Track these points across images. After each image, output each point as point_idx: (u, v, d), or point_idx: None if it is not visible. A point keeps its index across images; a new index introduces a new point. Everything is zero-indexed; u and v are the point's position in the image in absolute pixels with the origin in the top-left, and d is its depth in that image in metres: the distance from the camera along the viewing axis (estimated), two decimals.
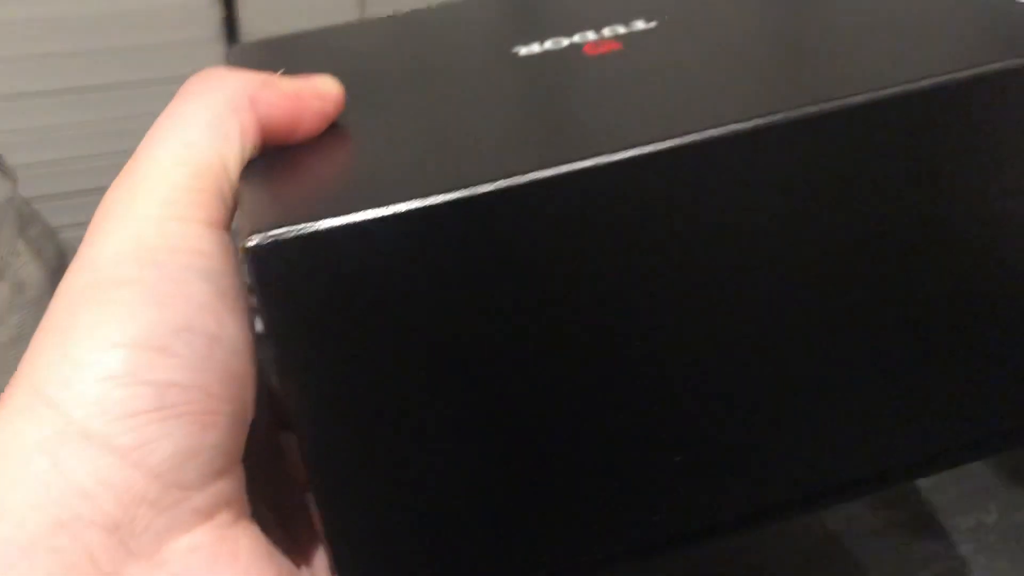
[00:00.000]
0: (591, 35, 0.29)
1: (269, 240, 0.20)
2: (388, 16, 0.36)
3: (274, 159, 0.24)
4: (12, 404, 0.21)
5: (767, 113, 0.22)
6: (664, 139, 0.21)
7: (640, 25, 0.29)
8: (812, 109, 0.22)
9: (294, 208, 0.21)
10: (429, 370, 0.21)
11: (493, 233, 0.21)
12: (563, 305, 0.21)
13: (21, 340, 0.97)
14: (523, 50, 0.28)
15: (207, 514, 0.20)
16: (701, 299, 0.22)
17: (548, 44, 0.29)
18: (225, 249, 0.22)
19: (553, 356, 0.22)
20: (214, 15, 1.49)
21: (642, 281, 0.22)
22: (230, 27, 1.50)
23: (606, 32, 0.29)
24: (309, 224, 0.20)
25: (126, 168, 0.22)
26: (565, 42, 0.29)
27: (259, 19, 1.53)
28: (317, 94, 0.24)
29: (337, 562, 0.22)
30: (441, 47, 0.31)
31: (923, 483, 0.49)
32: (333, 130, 0.25)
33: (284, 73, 0.25)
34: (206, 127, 0.22)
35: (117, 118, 1.51)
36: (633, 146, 0.21)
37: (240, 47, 0.32)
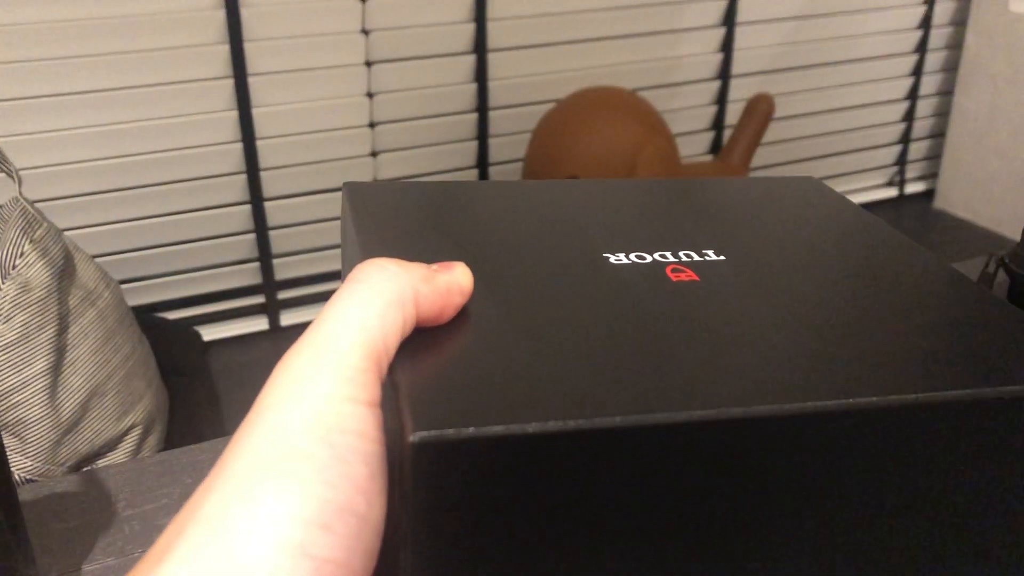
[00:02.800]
0: (669, 255, 0.33)
1: (434, 437, 0.23)
2: (499, 183, 0.39)
3: (417, 340, 0.27)
4: (191, 538, 0.22)
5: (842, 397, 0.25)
6: (750, 405, 0.25)
7: (711, 255, 0.33)
8: (873, 400, 0.25)
9: (460, 408, 0.24)
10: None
11: (622, 458, 0.24)
12: (665, 528, 0.25)
13: (26, 339, 0.99)
14: (612, 258, 0.32)
15: None
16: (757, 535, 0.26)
17: (633, 256, 0.33)
18: (379, 429, 0.24)
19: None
20: (218, 19, 1.50)
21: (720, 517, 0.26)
22: (233, 31, 1.51)
23: (682, 256, 0.33)
24: (476, 428, 0.23)
25: (310, 336, 0.25)
26: (648, 258, 0.33)
27: (261, 23, 1.54)
28: (460, 290, 0.28)
29: None
30: (542, 236, 0.35)
31: None
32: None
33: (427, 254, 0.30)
34: (379, 315, 0.25)
35: (121, 121, 1.53)
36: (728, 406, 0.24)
37: (353, 187, 0.36)
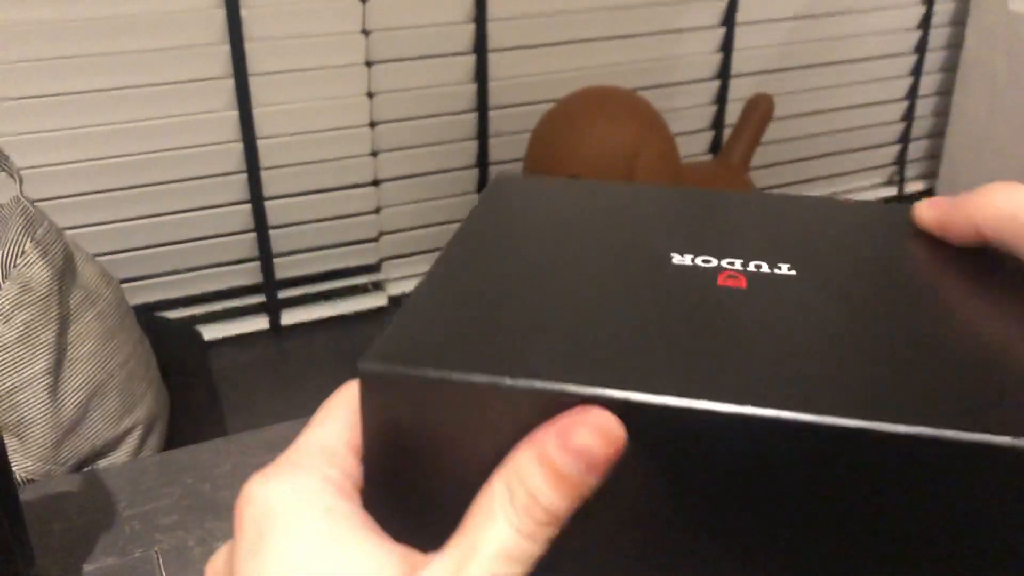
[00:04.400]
0: (738, 264, 0.31)
1: (378, 371, 0.24)
2: (587, 182, 0.38)
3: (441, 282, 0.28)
4: None
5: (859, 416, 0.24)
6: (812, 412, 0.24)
7: (784, 269, 0.31)
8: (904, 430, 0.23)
9: (411, 349, 0.24)
10: None
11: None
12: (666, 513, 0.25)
13: (27, 339, 0.99)
14: (677, 258, 0.31)
15: None
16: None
17: (699, 260, 0.31)
18: None
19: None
20: (218, 19, 1.51)
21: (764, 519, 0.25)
22: (234, 31, 1.52)
23: (752, 266, 0.31)
24: (416, 369, 0.24)
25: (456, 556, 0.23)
26: (714, 262, 0.31)
27: (262, 22, 1.54)
28: (616, 451, 0.23)
29: None
30: (613, 235, 0.34)
31: None
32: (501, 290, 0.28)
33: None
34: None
35: (122, 121, 1.53)
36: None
37: (503, 180, 0.35)
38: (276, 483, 0.25)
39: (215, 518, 0.52)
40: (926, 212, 0.33)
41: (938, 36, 2.18)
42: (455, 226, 1.58)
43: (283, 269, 1.73)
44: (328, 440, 0.26)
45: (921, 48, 2.17)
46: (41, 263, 1.01)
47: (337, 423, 0.27)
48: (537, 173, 1.60)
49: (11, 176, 1.03)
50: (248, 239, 1.67)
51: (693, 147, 1.98)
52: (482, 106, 1.75)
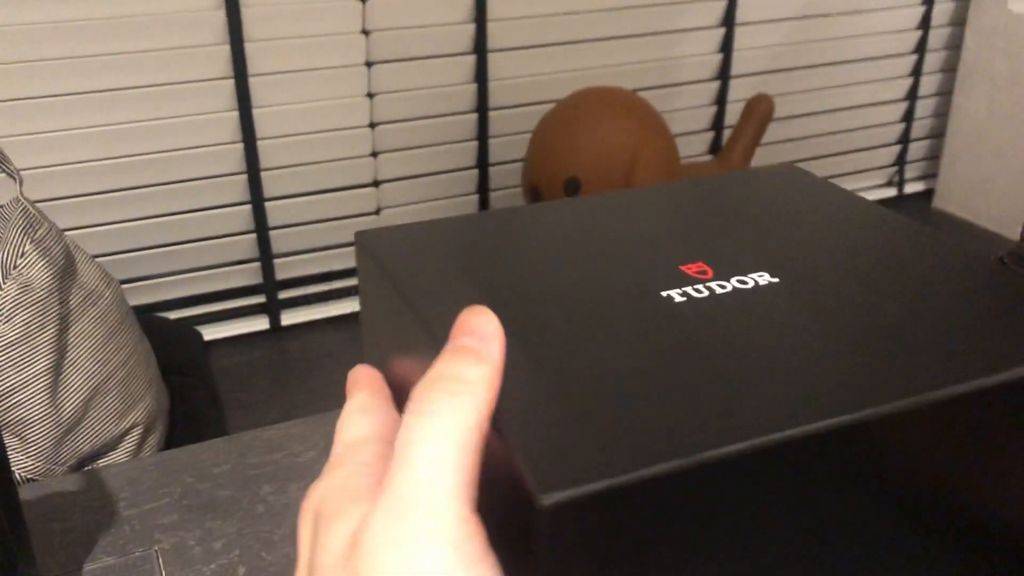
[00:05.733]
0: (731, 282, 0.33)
1: (565, 497, 0.23)
2: (502, 211, 0.40)
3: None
4: None
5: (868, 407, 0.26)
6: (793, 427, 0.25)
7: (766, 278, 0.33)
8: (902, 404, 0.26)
9: (580, 464, 0.24)
10: None
11: (737, 485, 0.25)
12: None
13: (27, 339, 0.99)
14: (661, 291, 0.32)
15: None
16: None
17: (675, 290, 0.32)
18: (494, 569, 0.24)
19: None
20: (218, 19, 1.51)
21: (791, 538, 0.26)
22: (234, 31, 1.52)
23: (732, 280, 0.33)
24: (602, 481, 0.23)
25: (403, 493, 0.24)
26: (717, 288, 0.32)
27: (262, 23, 1.54)
28: (502, 356, 0.27)
29: None
30: (580, 264, 0.34)
31: None
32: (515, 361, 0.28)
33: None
34: (465, 451, 0.24)
35: (122, 121, 1.53)
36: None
37: (365, 236, 0.35)
38: (315, 487, 0.27)
39: (215, 518, 0.52)
40: None
41: (938, 37, 2.18)
42: None
43: (283, 270, 1.73)
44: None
45: (921, 49, 2.17)
46: (41, 263, 1.02)
47: (358, 421, 0.29)
48: (537, 173, 1.60)
49: (11, 177, 1.03)
50: (248, 240, 1.67)
51: (693, 148, 1.98)
52: (482, 107, 1.75)
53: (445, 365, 0.26)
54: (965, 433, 0.27)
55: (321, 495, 0.26)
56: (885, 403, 0.26)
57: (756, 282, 0.32)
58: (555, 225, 0.37)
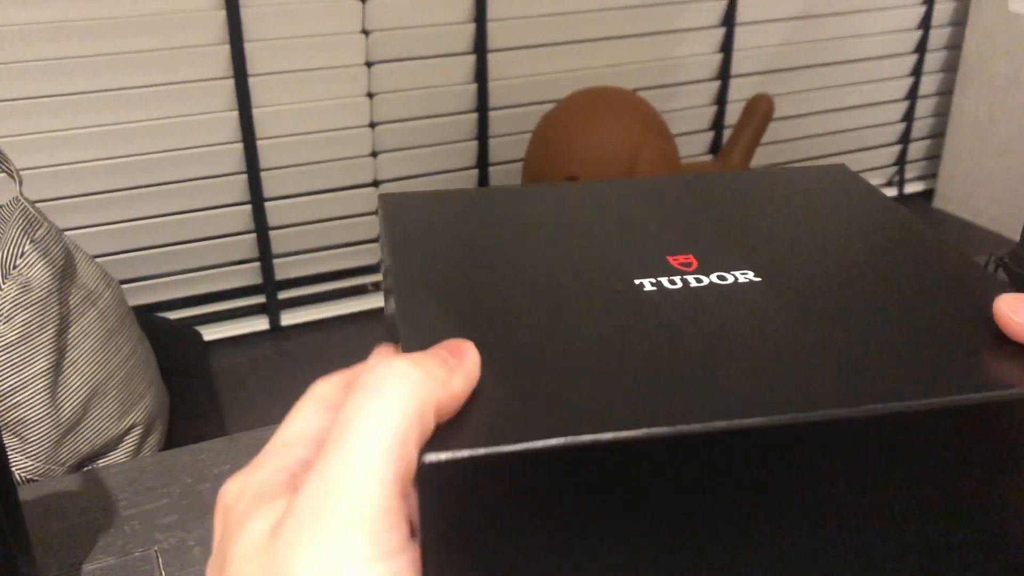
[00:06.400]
0: (706, 278, 0.33)
1: (445, 459, 0.24)
2: (523, 189, 0.40)
3: None
4: None
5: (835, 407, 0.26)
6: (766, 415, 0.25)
7: (747, 274, 0.32)
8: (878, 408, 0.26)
9: (466, 433, 0.24)
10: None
11: (622, 471, 0.25)
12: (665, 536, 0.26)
13: (27, 339, 0.99)
14: (641, 282, 0.32)
15: None
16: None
17: (664, 280, 0.32)
18: (412, 567, 0.24)
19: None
20: (218, 19, 1.51)
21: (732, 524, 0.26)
22: (234, 31, 1.52)
23: (714, 278, 0.33)
24: (484, 448, 0.24)
25: (331, 469, 0.23)
26: (677, 280, 0.32)
27: (262, 22, 1.54)
28: (472, 386, 0.26)
29: None
30: (571, 249, 0.34)
31: None
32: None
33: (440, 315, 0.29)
34: (402, 440, 0.24)
35: (122, 121, 1.53)
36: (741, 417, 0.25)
37: (387, 198, 0.37)
38: (232, 482, 0.26)
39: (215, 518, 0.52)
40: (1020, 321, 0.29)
41: (938, 36, 2.18)
42: None
43: (283, 270, 1.73)
44: (288, 435, 0.27)
45: (921, 48, 2.17)
46: (41, 264, 1.01)
47: (305, 416, 0.27)
48: (537, 173, 1.60)
49: (11, 177, 1.03)
50: (248, 240, 1.67)
51: (693, 147, 1.98)
52: (482, 106, 1.75)
53: (409, 354, 0.26)
54: (908, 451, 0.27)
55: (236, 492, 0.25)
56: (797, 411, 0.25)
57: (736, 279, 0.32)
58: (569, 204, 0.38)
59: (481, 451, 0.24)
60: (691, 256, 0.33)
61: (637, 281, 0.32)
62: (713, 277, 0.32)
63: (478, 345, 0.27)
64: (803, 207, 0.38)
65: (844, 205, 0.39)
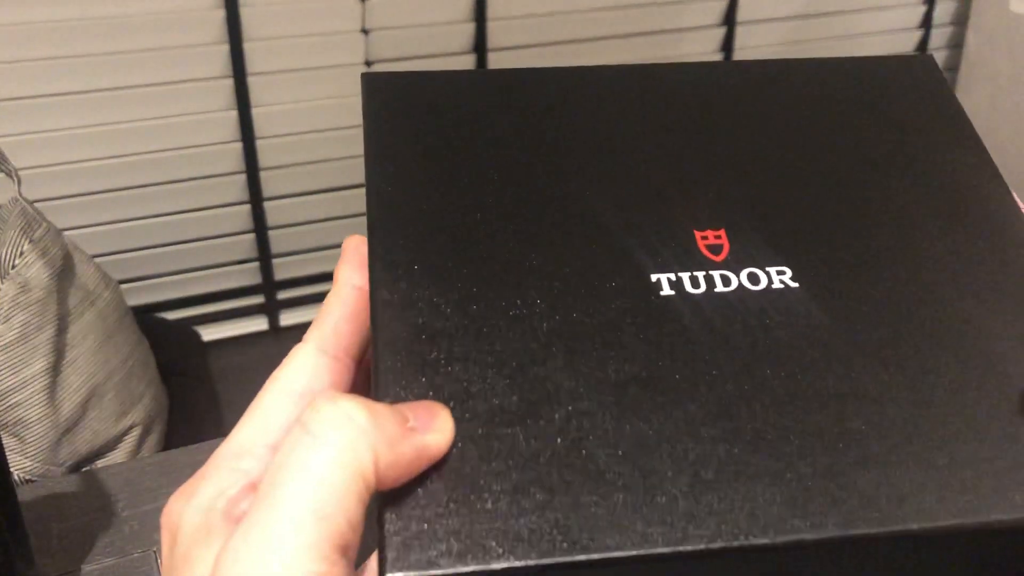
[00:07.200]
0: (744, 278, 0.27)
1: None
2: (534, 70, 0.33)
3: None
4: None
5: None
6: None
7: (787, 279, 0.26)
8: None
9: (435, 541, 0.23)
10: None
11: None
12: None
13: (26, 339, 0.99)
14: (658, 277, 0.26)
15: None
16: None
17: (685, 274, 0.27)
18: None
19: None
20: (217, 19, 1.50)
21: None
22: (233, 31, 1.51)
23: (745, 274, 0.27)
24: (451, 568, 0.22)
25: (263, 523, 0.21)
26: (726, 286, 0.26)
27: (261, 22, 1.54)
28: (429, 457, 0.24)
29: None
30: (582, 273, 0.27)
31: None
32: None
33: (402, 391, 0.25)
34: (339, 497, 0.22)
35: (121, 121, 1.53)
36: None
37: (373, 77, 0.32)
38: (176, 502, 0.25)
39: None
40: None
41: (939, 36, 2.18)
42: None
43: (282, 270, 1.73)
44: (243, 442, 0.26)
45: (922, 48, 2.17)
46: (40, 264, 1.01)
47: (261, 417, 0.26)
48: None
49: (10, 176, 1.03)
50: (247, 240, 1.67)
51: None
52: None
53: (361, 400, 0.23)
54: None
55: (177, 517, 0.24)
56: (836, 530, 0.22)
57: (770, 281, 0.27)
58: (585, 104, 0.31)
59: (451, 571, 0.22)
60: (722, 232, 0.28)
61: (654, 278, 0.26)
62: (743, 277, 0.26)
63: (453, 336, 0.24)
64: (863, 140, 0.31)
65: (915, 138, 0.31)
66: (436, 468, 0.24)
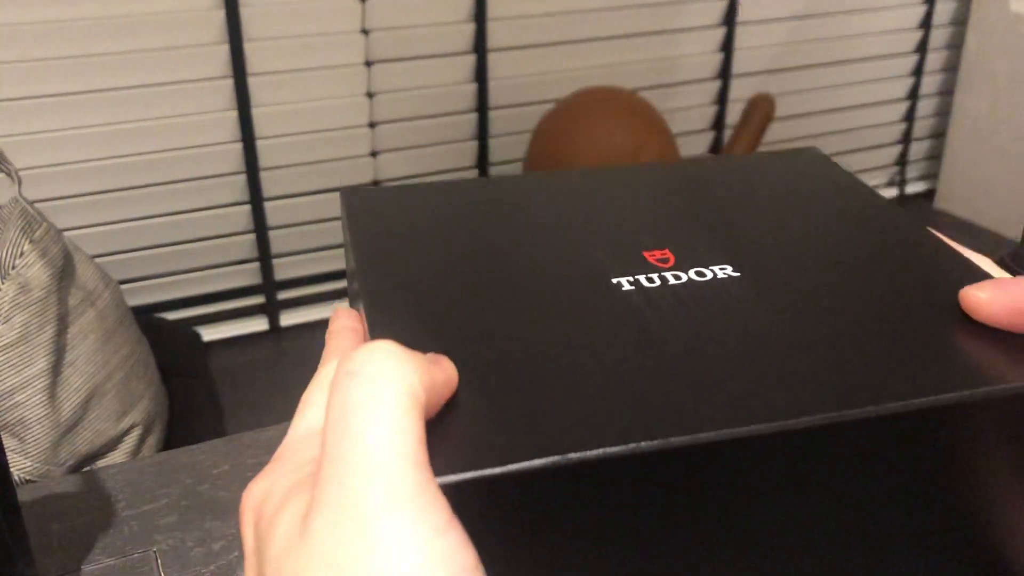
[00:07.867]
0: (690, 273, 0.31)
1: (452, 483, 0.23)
2: (495, 179, 0.39)
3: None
4: None
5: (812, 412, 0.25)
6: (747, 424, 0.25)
7: (726, 269, 0.32)
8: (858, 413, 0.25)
9: (451, 455, 0.24)
10: None
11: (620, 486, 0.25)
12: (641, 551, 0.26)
13: (26, 339, 0.99)
14: (618, 280, 0.31)
15: None
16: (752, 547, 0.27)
17: (641, 278, 0.31)
18: (462, 543, 0.23)
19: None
20: (217, 19, 1.50)
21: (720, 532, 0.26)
22: (233, 31, 1.51)
23: (692, 274, 0.31)
24: (467, 473, 0.24)
25: (337, 456, 0.22)
26: (655, 278, 0.31)
27: (261, 22, 1.54)
28: (451, 387, 0.26)
29: None
30: (539, 241, 0.34)
31: None
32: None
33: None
34: (414, 417, 0.23)
35: (121, 121, 1.53)
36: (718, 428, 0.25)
37: (349, 192, 0.36)
38: (256, 484, 0.25)
39: (214, 518, 0.52)
40: (988, 298, 0.29)
41: (939, 36, 2.18)
42: None
43: (282, 270, 1.73)
44: (313, 425, 0.26)
45: (922, 48, 2.17)
46: (40, 264, 1.01)
47: (317, 408, 0.27)
48: None
49: (10, 177, 1.03)
50: (247, 240, 1.67)
51: (693, 147, 1.97)
52: (482, 106, 1.75)
53: (388, 341, 0.25)
54: (896, 453, 0.26)
55: (262, 494, 0.25)
56: (783, 419, 0.25)
57: (715, 274, 0.31)
58: (542, 195, 0.37)
59: (468, 475, 0.23)
60: (668, 251, 0.33)
61: (615, 280, 0.31)
62: (691, 273, 0.31)
63: (453, 357, 0.27)
64: (775, 194, 0.37)
65: (817, 190, 0.38)
66: (452, 404, 0.26)
